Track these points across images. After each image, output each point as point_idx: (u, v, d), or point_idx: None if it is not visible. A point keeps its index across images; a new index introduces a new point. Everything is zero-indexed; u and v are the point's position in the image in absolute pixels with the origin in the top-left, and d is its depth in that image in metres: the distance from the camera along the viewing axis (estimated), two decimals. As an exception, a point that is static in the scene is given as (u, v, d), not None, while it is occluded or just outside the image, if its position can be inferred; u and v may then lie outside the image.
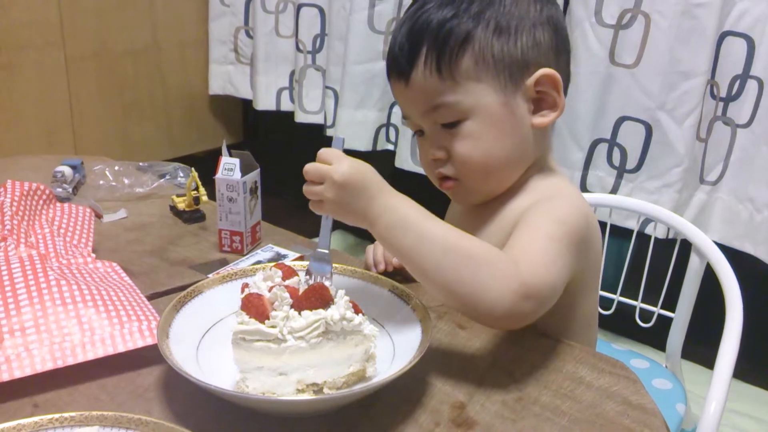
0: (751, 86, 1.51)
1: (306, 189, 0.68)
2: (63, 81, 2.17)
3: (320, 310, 0.63)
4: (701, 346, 1.24)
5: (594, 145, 1.64)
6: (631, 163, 1.61)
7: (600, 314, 1.26)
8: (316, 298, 0.64)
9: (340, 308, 0.63)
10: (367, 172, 0.67)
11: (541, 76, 0.74)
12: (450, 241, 0.65)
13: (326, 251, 0.73)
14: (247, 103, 2.45)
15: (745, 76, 1.51)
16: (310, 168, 0.67)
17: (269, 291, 0.65)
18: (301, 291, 0.65)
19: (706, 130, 1.57)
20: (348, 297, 0.65)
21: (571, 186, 0.82)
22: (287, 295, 0.64)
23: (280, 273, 0.68)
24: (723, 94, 1.55)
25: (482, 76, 0.73)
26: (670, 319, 1.24)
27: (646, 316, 1.28)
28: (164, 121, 2.48)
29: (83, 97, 2.23)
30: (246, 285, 0.66)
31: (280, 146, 2.62)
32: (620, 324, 1.40)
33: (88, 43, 2.19)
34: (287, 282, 0.67)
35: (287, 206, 2.64)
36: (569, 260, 0.69)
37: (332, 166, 0.66)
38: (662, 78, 1.52)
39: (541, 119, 0.76)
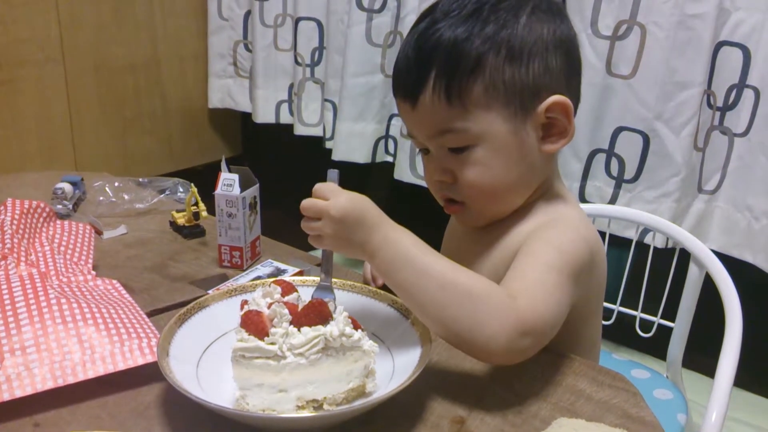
0: (748, 95, 1.52)
1: (304, 225, 0.69)
2: (63, 96, 2.18)
3: (319, 327, 0.63)
4: (702, 355, 1.24)
5: (592, 155, 1.65)
6: (629, 173, 1.61)
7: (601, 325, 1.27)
8: (315, 314, 0.64)
9: (339, 324, 0.64)
10: (364, 205, 0.67)
11: (552, 103, 0.73)
12: (448, 277, 0.64)
13: (328, 283, 0.74)
14: (246, 116, 2.46)
15: (741, 85, 1.52)
16: (306, 204, 0.68)
17: (268, 307, 0.65)
18: (300, 307, 0.65)
19: (703, 140, 1.58)
20: (347, 313, 0.66)
21: (575, 210, 0.80)
22: (286, 311, 0.64)
23: (279, 289, 0.68)
24: (720, 103, 1.56)
25: (492, 104, 0.72)
26: (671, 329, 1.24)
27: (646, 326, 1.28)
28: (164, 134, 2.49)
29: (83, 112, 2.24)
30: (245, 302, 0.67)
31: (279, 159, 2.63)
32: (621, 334, 1.40)
33: (87, 58, 2.20)
34: (286, 298, 0.67)
35: (287, 219, 2.64)
36: (569, 290, 0.69)
37: (329, 201, 0.66)
38: (659, 88, 1.53)
39: (551, 146, 0.75)
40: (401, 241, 0.66)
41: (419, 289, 0.65)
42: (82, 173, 1.25)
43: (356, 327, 0.66)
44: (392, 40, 1.95)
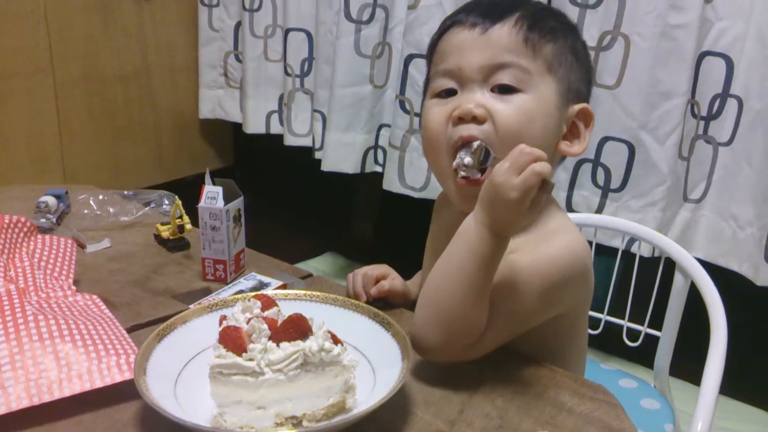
0: (731, 105, 1.53)
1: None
2: (52, 106, 2.18)
3: (298, 342, 0.63)
4: (690, 363, 1.24)
5: (578, 165, 1.65)
6: (615, 183, 1.62)
7: (589, 334, 1.27)
8: (294, 329, 0.64)
9: (318, 339, 0.64)
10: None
11: (584, 108, 0.77)
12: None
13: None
14: (237, 127, 2.47)
15: (725, 95, 1.53)
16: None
17: (247, 323, 0.65)
18: (280, 322, 0.65)
19: (688, 149, 1.59)
20: (327, 327, 0.66)
21: (567, 222, 0.80)
22: (265, 326, 0.64)
23: (259, 304, 0.68)
24: (704, 113, 1.56)
25: (554, 71, 0.74)
26: (658, 338, 1.24)
27: (634, 335, 1.28)
28: (155, 145, 2.49)
29: (73, 123, 2.23)
30: (224, 317, 0.67)
31: (270, 169, 2.63)
32: (609, 343, 1.40)
33: (77, 68, 2.20)
34: (266, 313, 0.67)
35: (277, 229, 2.65)
36: (531, 310, 0.72)
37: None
38: (643, 98, 1.54)
39: (566, 148, 0.78)
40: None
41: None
42: (67, 186, 1.25)
43: (336, 342, 0.66)
44: (381, 51, 1.95)
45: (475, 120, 0.73)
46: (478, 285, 0.68)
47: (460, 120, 0.74)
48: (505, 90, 0.73)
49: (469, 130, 0.73)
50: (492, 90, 0.74)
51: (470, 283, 0.68)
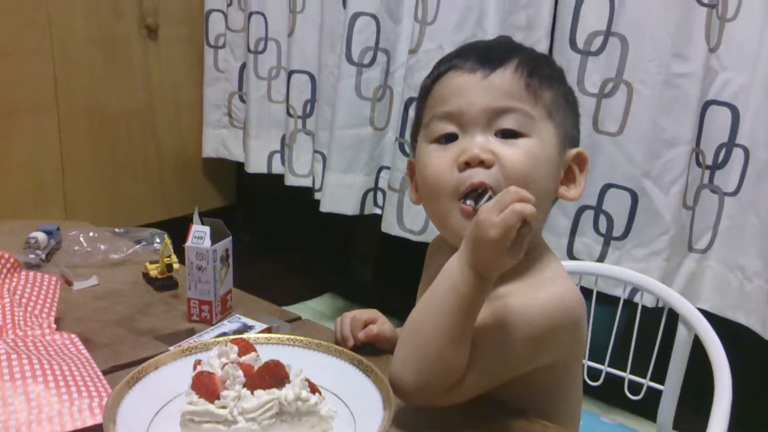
0: (738, 155, 1.51)
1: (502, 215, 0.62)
2: (55, 141, 2.19)
3: (274, 390, 0.60)
4: (694, 417, 1.20)
5: (580, 212, 1.63)
6: (617, 231, 1.59)
7: (589, 385, 1.23)
8: (270, 376, 0.61)
9: (295, 387, 0.61)
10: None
11: (580, 152, 0.77)
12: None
13: None
14: (240, 166, 2.47)
15: (731, 144, 1.51)
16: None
17: (222, 368, 0.62)
18: (256, 368, 0.63)
19: (693, 198, 1.56)
20: (304, 375, 0.63)
21: (560, 270, 0.78)
22: (240, 373, 0.61)
23: (236, 348, 0.65)
24: (709, 162, 1.55)
25: (553, 116, 0.74)
26: (661, 390, 1.20)
27: (636, 387, 1.24)
28: (157, 182, 2.49)
29: (75, 158, 2.24)
30: (199, 362, 0.64)
31: (271, 209, 2.63)
32: (610, 395, 1.36)
33: (81, 103, 2.21)
34: (243, 358, 0.65)
35: (277, 268, 2.63)
36: (523, 358, 0.70)
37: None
38: (646, 146, 1.52)
39: (564, 192, 0.77)
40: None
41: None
42: (60, 222, 1.24)
43: (314, 390, 0.63)
44: (381, 94, 1.96)
45: (483, 164, 0.71)
46: (457, 324, 0.66)
47: (467, 165, 0.72)
48: (509, 135, 0.72)
49: (478, 175, 0.71)
50: (495, 134, 0.72)
51: (449, 322, 0.66)
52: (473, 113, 0.72)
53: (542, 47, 1.62)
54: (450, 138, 0.74)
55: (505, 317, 0.69)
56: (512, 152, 0.71)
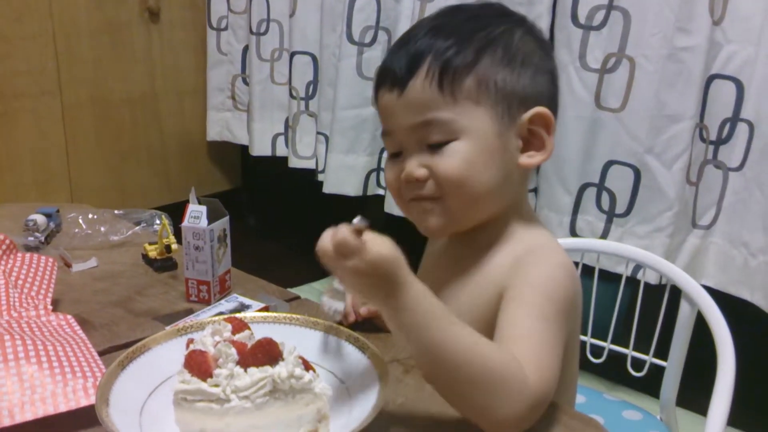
0: (742, 129, 1.49)
1: (328, 260, 0.61)
2: (59, 129, 2.19)
3: (267, 367, 0.60)
4: (697, 394, 1.20)
5: (582, 189, 1.62)
6: (620, 208, 1.58)
7: (592, 362, 1.23)
8: (263, 354, 0.61)
9: (288, 365, 0.61)
10: (401, 259, 0.62)
11: (536, 113, 0.73)
12: (468, 354, 0.61)
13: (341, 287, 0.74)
14: (244, 149, 2.47)
15: (735, 119, 1.49)
16: (341, 238, 0.59)
17: (215, 347, 0.62)
18: (249, 346, 0.62)
19: (696, 174, 1.55)
20: (298, 352, 0.63)
21: (552, 240, 0.79)
22: (233, 351, 0.61)
23: (229, 327, 0.65)
24: (713, 137, 1.53)
25: (482, 100, 0.71)
26: (664, 367, 1.20)
27: (639, 364, 1.23)
28: (162, 167, 2.50)
29: (80, 145, 2.24)
30: (191, 341, 0.64)
31: (276, 191, 2.62)
32: (614, 372, 1.36)
33: (84, 90, 2.21)
34: (236, 336, 0.64)
35: (282, 251, 2.63)
36: (563, 339, 0.68)
37: (367, 242, 0.59)
38: (649, 122, 1.50)
39: (529, 159, 0.74)
40: (425, 307, 0.61)
41: (435, 359, 0.61)
42: (60, 205, 1.24)
43: (308, 368, 0.63)
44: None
45: (419, 180, 0.74)
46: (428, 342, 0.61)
47: (407, 183, 0.75)
48: (437, 145, 0.73)
49: (414, 191, 0.75)
50: (429, 146, 0.73)
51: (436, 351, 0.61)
52: (401, 133, 0.75)
53: (544, 22, 1.60)
54: (396, 154, 0.77)
55: (524, 306, 0.69)
56: (442, 162, 0.72)
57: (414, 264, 0.90)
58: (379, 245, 0.60)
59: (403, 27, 1.87)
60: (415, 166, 0.73)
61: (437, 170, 0.73)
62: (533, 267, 0.72)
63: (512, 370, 0.62)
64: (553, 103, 0.76)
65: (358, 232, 0.59)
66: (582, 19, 1.55)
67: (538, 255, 0.74)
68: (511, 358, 0.62)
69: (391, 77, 0.74)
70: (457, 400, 0.63)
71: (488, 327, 0.71)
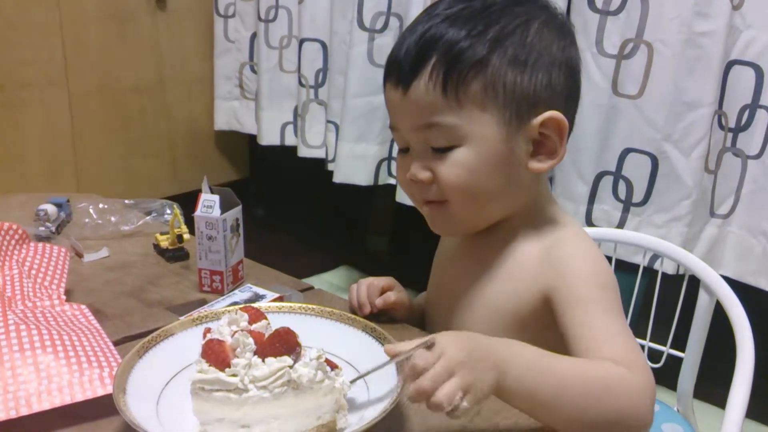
0: (761, 116, 1.46)
1: (436, 400, 0.54)
2: (66, 118, 2.18)
3: (285, 357, 0.59)
4: (715, 386, 1.18)
5: (599, 177, 1.59)
6: (637, 197, 1.56)
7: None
8: (281, 343, 0.60)
9: (310, 369, 0.59)
10: (464, 332, 0.61)
11: (548, 118, 0.70)
12: (581, 378, 0.61)
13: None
14: (254, 139, 2.45)
15: (754, 105, 1.47)
16: (426, 373, 0.54)
17: (232, 336, 0.61)
18: (266, 336, 0.61)
19: (715, 162, 1.52)
20: (325, 357, 0.61)
21: (575, 224, 0.77)
22: (251, 340, 0.60)
23: (246, 316, 0.64)
24: (732, 124, 1.50)
25: (488, 105, 0.69)
26: (681, 358, 1.18)
27: (656, 355, 1.22)
28: (169, 157, 2.48)
29: (87, 134, 2.23)
30: (208, 330, 0.62)
31: (285, 181, 2.61)
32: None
33: (92, 79, 2.20)
34: (253, 326, 0.63)
35: (292, 241, 2.62)
36: (624, 316, 0.70)
37: (439, 351, 0.55)
38: (667, 108, 1.48)
39: (538, 164, 0.72)
40: (524, 351, 0.61)
41: (561, 398, 0.60)
42: (70, 194, 1.22)
43: (333, 367, 0.61)
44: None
45: (424, 183, 0.73)
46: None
47: (413, 181, 0.74)
48: (440, 150, 0.71)
49: (420, 194, 0.74)
50: (433, 148, 0.71)
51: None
52: (406, 131, 0.73)
53: (559, 8, 1.57)
54: (405, 150, 0.75)
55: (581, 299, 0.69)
56: (446, 168, 0.71)
57: (428, 253, 0.88)
58: (444, 337, 0.58)
59: (415, 12, 1.84)
60: (419, 169, 0.72)
61: (440, 178, 0.71)
62: (573, 261, 0.71)
63: (618, 372, 0.62)
64: (570, 101, 0.73)
65: (428, 348, 0.57)
66: (599, 4, 1.52)
67: (571, 245, 0.73)
68: (609, 364, 0.62)
69: (396, 72, 0.71)
70: (594, 426, 0.61)
71: (519, 320, 0.70)
